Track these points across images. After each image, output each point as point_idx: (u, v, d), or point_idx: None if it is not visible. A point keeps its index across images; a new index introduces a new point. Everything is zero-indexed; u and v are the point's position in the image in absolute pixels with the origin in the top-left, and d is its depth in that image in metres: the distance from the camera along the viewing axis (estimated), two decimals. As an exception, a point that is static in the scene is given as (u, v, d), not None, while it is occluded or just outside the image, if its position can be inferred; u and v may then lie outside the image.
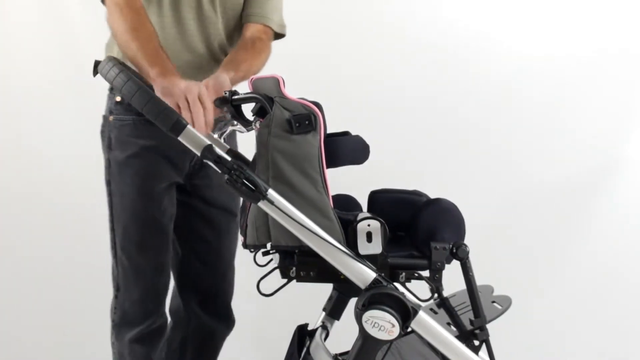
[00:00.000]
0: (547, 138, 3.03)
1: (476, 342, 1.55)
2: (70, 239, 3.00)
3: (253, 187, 1.39)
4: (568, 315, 3.00)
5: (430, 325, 1.46)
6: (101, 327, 2.23)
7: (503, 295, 1.84)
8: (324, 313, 1.79)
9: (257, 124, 1.56)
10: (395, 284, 1.48)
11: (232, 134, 1.99)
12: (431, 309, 1.69)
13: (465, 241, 1.53)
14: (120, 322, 1.95)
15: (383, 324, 1.41)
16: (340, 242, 1.43)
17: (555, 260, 3.04)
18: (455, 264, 1.54)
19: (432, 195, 1.68)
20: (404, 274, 1.51)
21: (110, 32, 1.80)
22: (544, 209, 3.03)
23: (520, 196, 3.03)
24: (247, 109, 1.63)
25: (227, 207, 2.00)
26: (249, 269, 1.96)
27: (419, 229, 1.53)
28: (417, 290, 1.57)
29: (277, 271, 1.53)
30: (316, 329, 1.73)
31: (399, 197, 1.70)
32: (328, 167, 1.46)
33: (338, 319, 1.79)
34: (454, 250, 1.51)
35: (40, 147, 3.02)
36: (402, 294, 1.44)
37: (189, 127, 1.42)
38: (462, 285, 1.58)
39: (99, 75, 1.57)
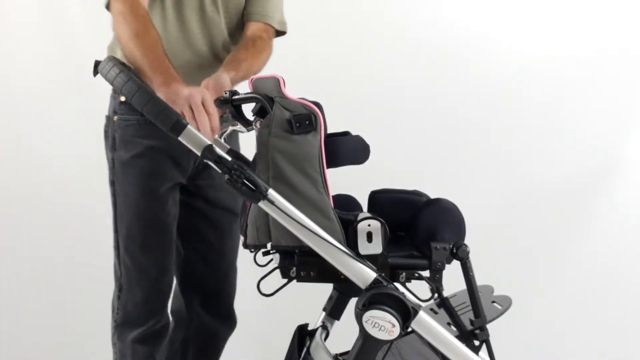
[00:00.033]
0: (547, 138, 3.03)
1: (476, 342, 1.55)
2: (70, 239, 3.00)
3: (253, 187, 1.39)
4: (568, 315, 3.00)
5: (430, 325, 1.46)
6: (101, 327, 2.23)
7: (503, 296, 1.85)
8: (324, 313, 1.79)
9: (258, 124, 1.56)
10: (396, 284, 1.48)
11: (234, 135, 1.99)
12: (431, 309, 1.69)
13: (466, 241, 1.53)
14: (123, 322, 1.94)
15: (383, 324, 1.42)
16: (340, 242, 1.43)
17: (555, 260, 3.04)
18: (456, 264, 1.54)
19: (432, 195, 1.68)
20: (404, 274, 1.51)
21: (115, 37, 1.79)
22: (544, 209, 3.03)
23: (520, 196, 3.03)
24: (248, 109, 1.63)
25: (230, 207, 2.00)
26: (249, 269, 1.96)
27: (419, 229, 1.53)
28: (417, 290, 1.57)
29: (278, 271, 1.54)
30: (316, 329, 1.73)
31: (399, 197, 1.70)
32: (328, 167, 1.46)
33: (338, 319, 1.79)
34: (454, 251, 1.51)
35: (40, 147, 3.01)
36: (403, 294, 1.44)
37: (189, 127, 1.42)
38: (462, 285, 1.58)
39: (99, 75, 1.57)
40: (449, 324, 1.60)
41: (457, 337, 1.52)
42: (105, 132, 1.93)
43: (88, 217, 2.98)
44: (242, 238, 1.59)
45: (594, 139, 3.02)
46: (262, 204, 1.41)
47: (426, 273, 1.52)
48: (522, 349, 2.86)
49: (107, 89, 1.92)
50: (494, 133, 3.02)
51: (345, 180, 1.68)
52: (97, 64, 1.60)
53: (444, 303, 1.57)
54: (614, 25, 3.02)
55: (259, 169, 1.47)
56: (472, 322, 1.56)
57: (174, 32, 1.86)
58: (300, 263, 1.50)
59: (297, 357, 1.68)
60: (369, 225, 1.45)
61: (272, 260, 1.61)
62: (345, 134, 1.61)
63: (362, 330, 1.43)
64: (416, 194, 1.71)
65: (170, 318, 2.07)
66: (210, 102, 1.52)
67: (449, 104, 3.01)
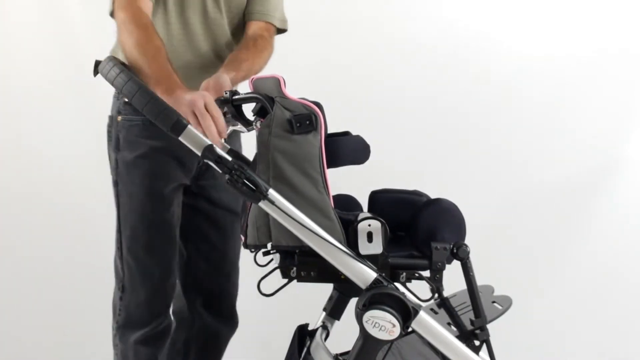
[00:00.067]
0: (547, 138, 3.03)
1: (477, 342, 1.55)
2: (70, 239, 3.00)
3: (254, 187, 1.39)
4: (568, 315, 3.00)
5: (430, 326, 1.46)
6: (101, 327, 2.23)
7: (503, 296, 1.85)
8: (324, 313, 1.79)
9: (258, 124, 1.57)
10: (396, 284, 1.48)
11: (236, 135, 1.99)
12: (432, 309, 1.69)
13: (466, 241, 1.53)
14: (125, 323, 1.93)
15: (384, 324, 1.42)
16: (341, 242, 1.44)
17: (555, 260, 3.04)
18: (456, 264, 1.54)
19: (433, 195, 1.68)
20: (404, 274, 1.51)
21: (119, 44, 1.78)
22: (544, 209, 3.03)
23: (521, 196, 3.03)
24: (248, 109, 1.63)
25: (232, 207, 1.99)
26: (249, 269, 1.96)
27: (420, 229, 1.53)
28: (417, 290, 1.57)
29: (278, 271, 1.54)
30: (316, 329, 1.73)
31: (400, 197, 1.70)
32: (329, 167, 1.46)
33: (338, 319, 1.79)
34: (455, 251, 1.51)
35: (40, 147, 3.01)
36: (403, 294, 1.44)
37: (190, 127, 1.41)
38: (462, 286, 1.58)
39: (99, 75, 1.57)
40: (449, 324, 1.60)
41: (458, 337, 1.52)
42: (109, 132, 1.92)
43: (88, 217, 2.98)
44: (242, 238, 1.59)
45: (594, 139, 3.02)
46: (263, 204, 1.41)
47: (426, 273, 1.52)
48: (522, 349, 2.86)
49: (108, 89, 1.91)
50: (494, 133, 3.02)
51: (346, 180, 1.68)
52: (97, 64, 1.60)
53: (444, 303, 1.57)
54: (614, 25, 3.02)
55: (260, 169, 1.47)
56: (473, 322, 1.56)
57: (177, 34, 1.86)
58: (301, 263, 1.50)
59: (298, 357, 1.68)
60: (370, 225, 1.45)
61: (272, 260, 1.61)
62: (346, 134, 1.61)
63: (363, 330, 1.43)
64: (416, 194, 1.71)
65: (172, 318, 2.07)
66: (213, 105, 1.50)
67: (449, 104, 3.01)
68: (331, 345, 1.65)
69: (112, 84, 1.48)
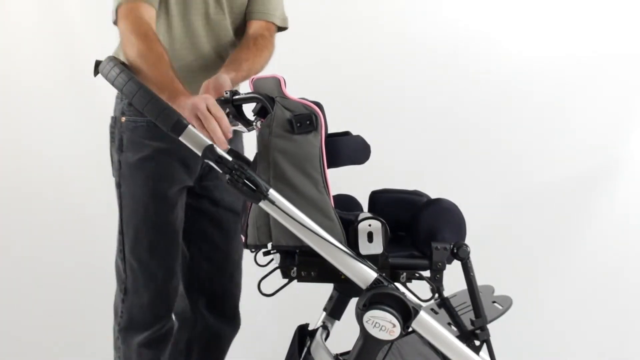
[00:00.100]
0: (547, 138, 3.03)
1: (477, 342, 1.55)
2: (70, 239, 3.00)
3: (254, 187, 1.39)
4: (568, 315, 3.00)
5: (431, 326, 1.46)
6: (101, 328, 2.23)
7: (504, 296, 1.85)
8: (324, 313, 1.79)
9: (258, 124, 1.57)
10: (396, 284, 1.48)
11: (238, 135, 1.98)
12: (432, 309, 1.69)
13: (466, 241, 1.53)
14: (128, 326, 1.92)
15: (384, 324, 1.42)
16: (341, 242, 1.44)
17: (555, 260, 3.04)
18: (456, 264, 1.54)
19: (433, 195, 1.68)
20: (404, 274, 1.51)
21: (123, 52, 1.78)
22: (544, 209, 3.03)
23: (521, 196, 3.03)
24: (248, 109, 1.63)
25: (235, 208, 1.98)
26: (249, 269, 1.96)
27: (420, 229, 1.54)
28: (417, 290, 1.57)
29: (278, 271, 1.54)
30: (317, 329, 1.73)
31: (400, 197, 1.70)
32: (329, 167, 1.46)
33: (339, 319, 1.79)
34: (455, 251, 1.51)
35: (40, 147, 3.01)
36: (403, 294, 1.44)
37: (190, 127, 1.41)
38: (462, 286, 1.58)
39: (99, 75, 1.57)
40: (449, 324, 1.60)
41: (458, 337, 1.52)
42: (112, 133, 1.91)
43: (88, 217, 2.99)
44: (242, 238, 1.59)
45: (594, 139, 3.02)
46: (263, 204, 1.41)
47: (427, 273, 1.53)
48: (522, 349, 2.86)
49: (108, 89, 1.91)
50: (494, 133, 3.02)
51: (346, 180, 1.68)
52: (97, 64, 1.60)
53: (444, 303, 1.57)
54: (614, 25, 3.02)
55: (260, 169, 1.47)
56: (473, 322, 1.56)
57: (179, 37, 1.85)
58: (301, 263, 1.51)
59: (298, 357, 1.68)
60: (370, 225, 1.45)
61: (272, 260, 1.61)
62: (346, 134, 1.61)
63: (363, 330, 1.43)
64: (417, 194, 1.71)
65: (174, 320, 2.06)
66: (215, 107, 1.49)
67: (449, 104, 3.01)
68: (331, 345, 1.65)
69: (113, 84, 1.48)
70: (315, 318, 1.80)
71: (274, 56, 1.93)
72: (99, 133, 2.29)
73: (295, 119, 1.44)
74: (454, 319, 1.58)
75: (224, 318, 2.06)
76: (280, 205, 1.40)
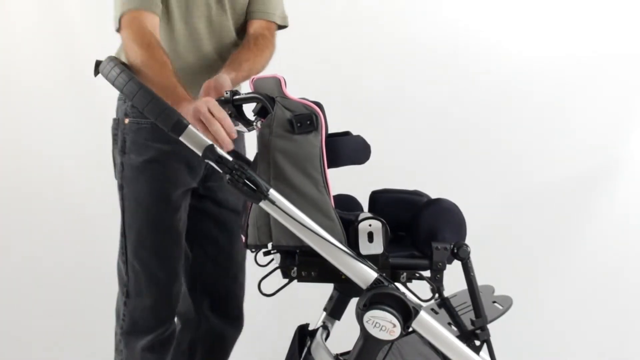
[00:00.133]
0: (547, 138, 3.04)
1: (477, 342, 1.55)
2: (70, 239, 3.00)
3: (254, 187, 1.39)
4: (568, 315, 3.00)
5: (431, 326, 1.46)
6: (101, 328, 2.23)
7: (504, 296, 1.84)
8: (324, 313, 1.79)
9: (259, 124, 1.57)
10: (397, 284, 1.48)
11: (240, 136, 1.98)
12: (432, 309, 1.69)
13: (466, 241, 1.53)
14: (130, 329, 1.91)
15: (384, 324, 1.42)
16: (341, 242, 1.44)
17: (555, 260, 3.04)
18: (456, 264, 1.54)
19: (433, 195, 1.68)
20: (405, 274, 1.51)
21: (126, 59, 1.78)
22: (544, 209, 3.04)
23: (521, 196, 3.03)
24: (249, 109, 1.63)
25: (237, 208, 1.97)
26: (250, 269, 1.96)
27: (420, 229, 1.53)
28: (418, 290, 1.57)
29: (278, 271, 1.54)
30: (317, 329, 1.73)
31: (400, 197, 1.70)
32: (329, 167, 1.46)
33: (339, 319, 1.79)
34: (455, 251, 1.51)
35: (40, 147, 3.01)
36: (403, 294, 1.44)
37: (190, 127, 1.41)
38: (463, 286, 1.58)
39: (99, 75, 1.57)
40: (449, 324, 1.60)
41: (458, 337, 1.52)
42: (114, 135, 1.90)
43: (88, 217, 2.99)
44: (242, 238, 1.59)
45: (594, 139, 3.03)
46: (263, 204, 1.41)
47: (427, 273, 1.52)
48: (522, 349, 2.86)
49: (108, 89, 1.91)
50: (494, 133, 3.02)
51: (346, 180, 1.68)
52: (97, 64, 1.59)
53: (444, 303, 1.57)
54: (614, 25, 3.02)
55: (260, 169, 1.47)
56: (473, 322, 1.56)
57: (182, 40, 1.84)
58: (301, 263, 1.50)
59: (298, 357, 1.68)
60: (370, 225, 1.45)
61: (272, 260, 1.61)
62: (346, 134, 1.61)
63: (363, 330, 1.43)
64: (417, 194, 1.71)
65: (177, 319, 2.06)
66: (217, 108, 1.49)
67: (449, 104, 3.01)
68: (332, 345, 1.65)
69: (113, 84, 1.48)
70: (315, 318, 1.80)
71: (275, 56, 1.93)
72: (99, 133, 2.29)
73: (296, 119, 1.44)
74: (454, 319, 1.58)
75: (227, 319, 2.05)
76: (280, 205, 1.40)
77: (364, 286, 1.45)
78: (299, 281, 1.52)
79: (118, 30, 1.77)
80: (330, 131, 1.52)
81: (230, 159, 1.40)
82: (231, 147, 1.46)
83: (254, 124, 1.62)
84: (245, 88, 1.85)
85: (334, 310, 1.77)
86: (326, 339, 1.69)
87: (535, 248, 3.02)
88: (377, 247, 1.45)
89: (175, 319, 2.02)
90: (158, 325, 1.90)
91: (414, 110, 2.99)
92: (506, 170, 3.01)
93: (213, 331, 2.05)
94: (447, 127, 3.00)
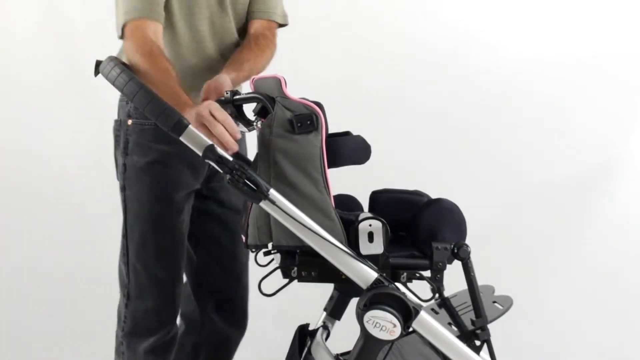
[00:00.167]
0: (547, 138, 3.04)
1: (477, 342, 1.55)
2: (70, 239, 3.00)
3: (255, 187, 1.39)
4: (568, 315, 3.00)
5: (431, 325, 1.46)
6: (101, 328, 2.23)
7: (504, 296, 1.84)
8: (325, 313, 1.78)
9: (259, 124, 1.57)
10: (397, 284, 1.48)
11: (242, 136, 1.97)
12: (432, 309, 1.69)
13: (466, 241, 1.53)
14: (132, 332, 1.90)
15: (384, 324, 1.42)
16: (341, 242, 1.44)
17: (555, 260, 3.04)
18: (457, 264, 1.54)
19: (433, 195, 1.68)
20: (405, 274, 1.51)
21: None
22: (544, 209, 3.04)
23: (521, 196, 3.03)
24: (249, 109, 1.63)
25: (240, 208, 1.96)
26: (250, 269, 1.96)
27: (420, 229, 1.53)
28: (418, 290, 1.57)
29: (279, 271, 1.54)
30: (317, 329, 1.73)
31: (400, 197, 1.70)
32: (329, 167, 1.46)
33: (339, 319, 1.78)
34: (456, 251, 1.51)
35: (40, 147, 3.01)
36: (404, 294, 1.44)
37: (191, 127, 1.41)
38: (463, 286, 1.58)
39: (100, 75, 1.57)
40: (450, 324, 1.60)
41: (458, 337, 1.52)
42: (116, 136, 1.89)
43: (88, 217, 2.99)
44: (242, 238, 1.59)
45: (594, 139, 3.03)
46: (264, 204, 1.41)
47: (427, 273, 1.52)
48: (522, 349, 2.86)
49: (108, 89, 1.91)
50: (494, 133, 3.02)
51: (346, 180, 1.68)
52: (98, 64, 1.59)
53: (445, 303, 1.57)
54: (614, 25, 3.02)
55: (260, 169, 1.47)
56: (473, 322, 1.56)
57: (185, 42, 1.84)
58: (301, 263, 1.50)
59: (298, 357, 1.68)
60: (370, 225, 1.45)
61: (272, 260, 1.61)
62: (347, 134, 1.61)
63: (363, 330, 1.43)
64: (417, 194, 1.71)
65: (180, 321, 2.05)
66: (219, 111, 1.48)
67: (449, 104, 3.01)
68: (332, 345, 1.65)
69: (113, 84, 1.48)
70: (315, 318, 1.80)
71: (275, 56, 1.93)
72: (99, 133, 2.29)
73: (296, 119, 1.44)
74: (455, 319, 1.58)
75: (233, 321, 2.04)
76: (280, 205, 1.40)
77: (364, 286, 1.45)
78: (299, 281, 1.52)
79: (121, 37, 1.77)
80: (330, 131, 1.52)
81: (231, 159, 1.41)
82: (236, 148, 1.46)
83: (254, 124, 1.62)
84: (246, 88, 1.85)
85: (334, 310, 1.77)
86: (326, 339, 1.69)
87: (535, 248, 3.02)
88: (377, 247, 1.45)
89: (179, 322, 2.01)
90: (160, 327, 1.89)
91: (414, 110, 2.99)
92: (506, 170, 3.01)
93: (218, 334, 2.03)
94: (447, 127, 3.00)
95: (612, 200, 3.03)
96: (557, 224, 3.04)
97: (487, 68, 3.02)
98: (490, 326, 1.57)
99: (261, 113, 1.57)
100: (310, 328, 1.78)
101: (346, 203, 1.71)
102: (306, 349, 1.68)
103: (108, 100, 1.99)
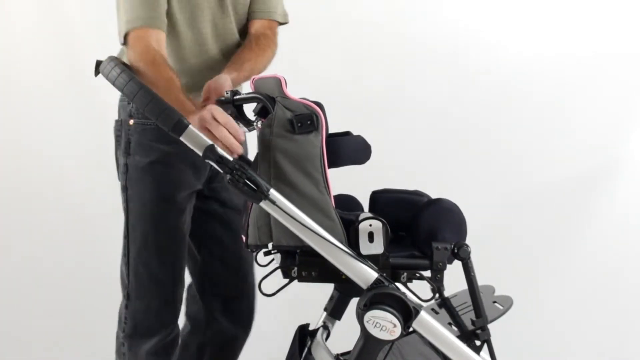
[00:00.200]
0: (547, 138, 3.04)
1: (477, 342, 1.55)
2: (70, 239, 3.00)
3: (255, 187, 1.39)
4: (568, 315, 3.00)
5: (431, 326, 1.46)
6: (101, 328, 2.23)
7: (504, 296, 1.84)
8: (325, 313, 1.78)
9: (259, 124, 1.57)
10: (397, 284, 1.48)
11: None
12: (432, 309, 1.69)
13: (467, 241, 1.53)
14: (133, 333, 1.90)
15: (385, 324, 1.42)
16: (342, 242, 1.44)
17: (555, 260, 3.04)
18: (457, 264, 1.54)
19: (433, 195, 1.68)
20: (405, 274, 1.51)
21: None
22: (544, 209, 3.04)
23: (521, 196, 3.03)
24: (249, 109, 1.63)
25: (241, 208, 1.97)
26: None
27: (420, 229, 1.53)
28: (418, 290, 1.57)
29: (279, 271, 1.54)
30: (317, 329, 1.73)
31: (400, 197, 1.70)
32: (330, 167, 1.46)
33: (339, 319, 1.78)
34: (456, 251, 1.51)
35: (40, 147, 3.01)
36: (404, 294, 1.44)
37: (191, 127, 1.41)
38: (463, 286, 1.58)
39: (100, 75, 1.57)
40: (450, 324, 1.60)
41: (459, 337, 1.52)
42: (117, 136, 1.89)
43: (88, 217, 2.99)
44: (243, 238, 1.59)
45: (594, 139, 3.02)
46: (264, 204, 1.41)
47: (427, 273, 1.52)
48: (522, 349, 2.86)
49: (108, 89, 1.91)
50: (494, 133, 3.02)
51: (346, 180, 1.68)
52: (98, 63, 1.59)
53: (445, 303, 1.57)
54: (614, 25, 3.02)
55: (261, 169, 1.47)
56: (474, 322, 1.56)
57: (188, 45, 1.84)
58: (302, 263, 1.50)
59: (298, 357, 1.68)
60: (371, 225, 1.45)
61: (273, 260, 1.61)
62: (347, 134, 1.61)
63: (364, 330, 1.43)
64: (417, 194, 1.71)
65: (185, 322, 2.04)
66: (221, 114, 1.48)
67: (449, 104, 3.01)
68: (332, 345, 1.65)
69: (114, 84, 1.48)
70: (315, 318, 1.80)
71: (276, 56, 1.93)
72: (99, 133, 2.30)
73: (296, 118, 1.44)
74: (455, 319, 1.58)
75: (239, 320, 2.04)
76: (281, 205, 1.40)
77: (364, 286, 1.45)
78: (299, 281, 1.52)
79: (123, 44, 1.76)
80: (330, 131, 1.52)
81: (231, 158, 1.41)
82: (240, 151, 1.46)
83: (255, 124, 1.62)
84: (246, 88, 1.85)
85: (335, 310, 1.77)
86: (326, 339, 1.69)
87: (535, 248, 3.02)
88: (377, 247, 1.45)
89: (185, 322, 2.01)
90: (161, 328, 1.89)
91: (414, 110, 2.99)
92: (506, 170, 3.01)
93: (223, 334, 2.03)
94: (447, 127, 3.00)
95: (612, 200, 3.03)
96: (557, 224, 3.04)
97: (487, 68, 3.02)
98: (490, 326, 1.57)
99: (261, 113, 1.57)
100: (311, 328, 1.78)
101: (346, 203, 1.71)
102: (306, 349, 1.68)
103: (108, 100, 1.99)
